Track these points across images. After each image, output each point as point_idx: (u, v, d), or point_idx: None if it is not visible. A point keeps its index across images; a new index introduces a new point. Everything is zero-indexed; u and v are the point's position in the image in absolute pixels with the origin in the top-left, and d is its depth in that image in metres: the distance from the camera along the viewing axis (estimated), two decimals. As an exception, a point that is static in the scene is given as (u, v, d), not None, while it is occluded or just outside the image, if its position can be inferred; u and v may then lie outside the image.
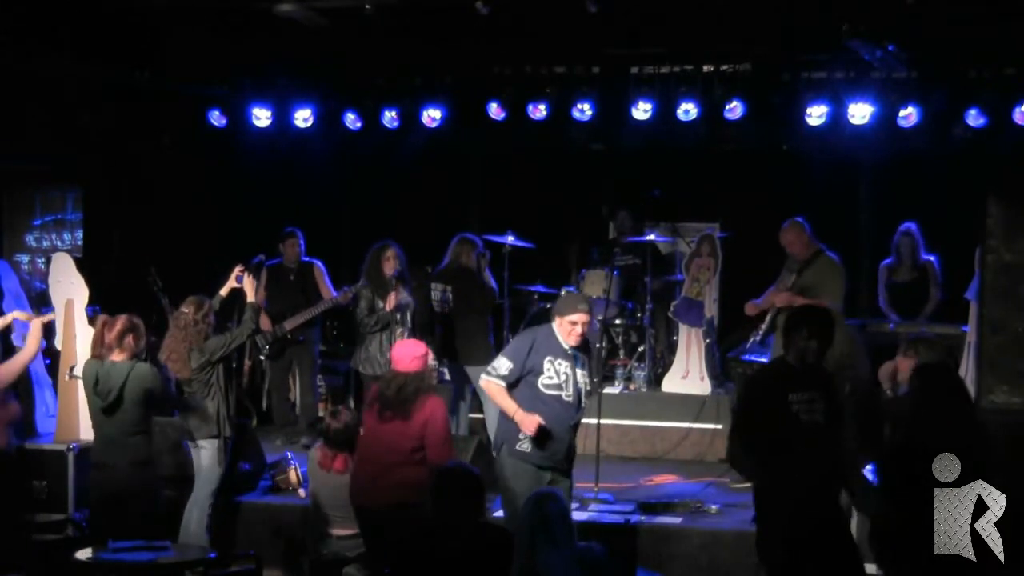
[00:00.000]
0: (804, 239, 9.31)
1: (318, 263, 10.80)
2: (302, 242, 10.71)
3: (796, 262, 9.32)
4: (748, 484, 8.87)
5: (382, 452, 7.16)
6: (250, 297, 8.41)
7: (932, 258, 10.38)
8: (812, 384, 6.33)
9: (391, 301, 9.58)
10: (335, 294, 10.43)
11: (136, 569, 6.81)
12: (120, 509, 7.40)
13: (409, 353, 7.36)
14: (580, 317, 7.13)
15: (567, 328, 7.15)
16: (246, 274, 8.49)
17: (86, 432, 9.05)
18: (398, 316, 9.69)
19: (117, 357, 7.55)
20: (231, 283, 8.54)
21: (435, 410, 7.24)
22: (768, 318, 9.40)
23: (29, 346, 7.91)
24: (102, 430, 7.57)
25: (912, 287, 10.43)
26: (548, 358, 7.18)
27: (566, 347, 7.18)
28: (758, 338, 10.02)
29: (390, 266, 9.70)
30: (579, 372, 7.22)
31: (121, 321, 7.61)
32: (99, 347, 7.60)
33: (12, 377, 7.81)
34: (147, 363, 7.69)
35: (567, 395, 7.20)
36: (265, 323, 10.54)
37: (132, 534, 7.03)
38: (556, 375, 7.18)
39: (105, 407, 7.47)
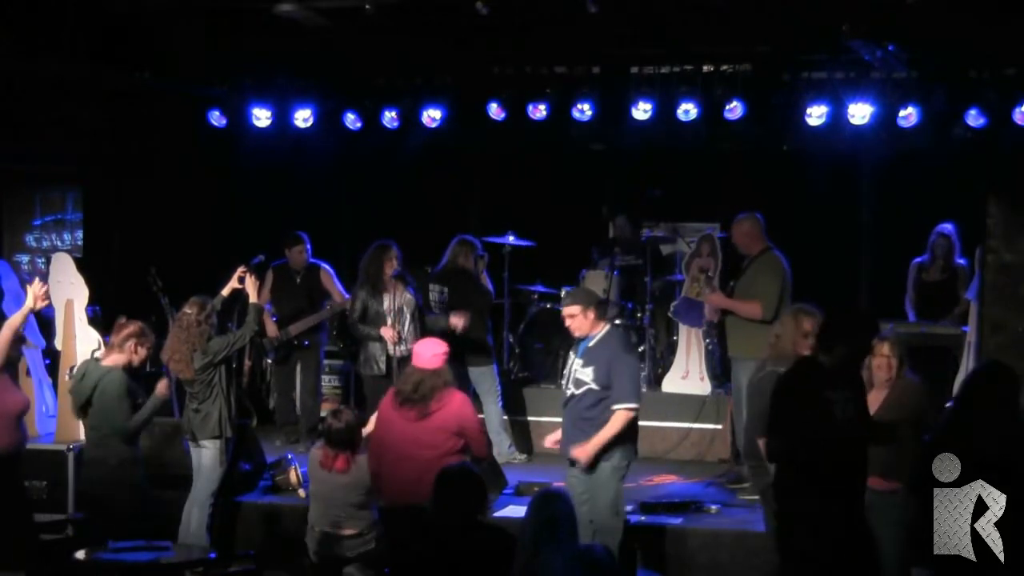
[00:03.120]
0: (753, 234, 9.33)
1: (325, 266, 10.70)
2: (308, 247, 10.64)
3: (744, 258, 9.41)
4: (743, 485, 8.98)
5: (417, 450, 7.20)
6: (252, 298, 8.41)
7: (964, 262, 10.33)
8: (846, 383, 6.33)
9: (391, 336, 9.47)
10: (347, 296, 10.34)
11: (136, 569, 6.81)
12: (104, 507, 7.44)
13: (429, 350, 7.44)
14: (564, 311, 7.49)
15: None
16: (248, 275, 8.48)
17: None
18: (398, 316, 9.66)
19: (108, 361, 7.59)
20: (233, 283, 8.52)
21: (464, 407, 7.41)
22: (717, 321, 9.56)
23: (13, 317, 7.79)
24: (88, 428, 7.67)
25: (941, 288, 10.38)
26: (570, 354, 7.58)
27: (578, 340, 7.47)
28: (709, 342, 10.12)
29: (391, 267, 9.67)
30: (577, 361, 7.38)
31: (133, 325, 7.64)
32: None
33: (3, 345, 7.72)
34: (121, 373, 7.67)
35: (566, 386, 7.48)
36: (271, 329, 10.52)
37: (118, 532, 7.06)
38: (567, 368, 7.57)
39: (80, 405, 7.57)
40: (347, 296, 10.32)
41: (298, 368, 10.88)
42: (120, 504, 7.48)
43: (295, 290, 10.65)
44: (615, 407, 7.27)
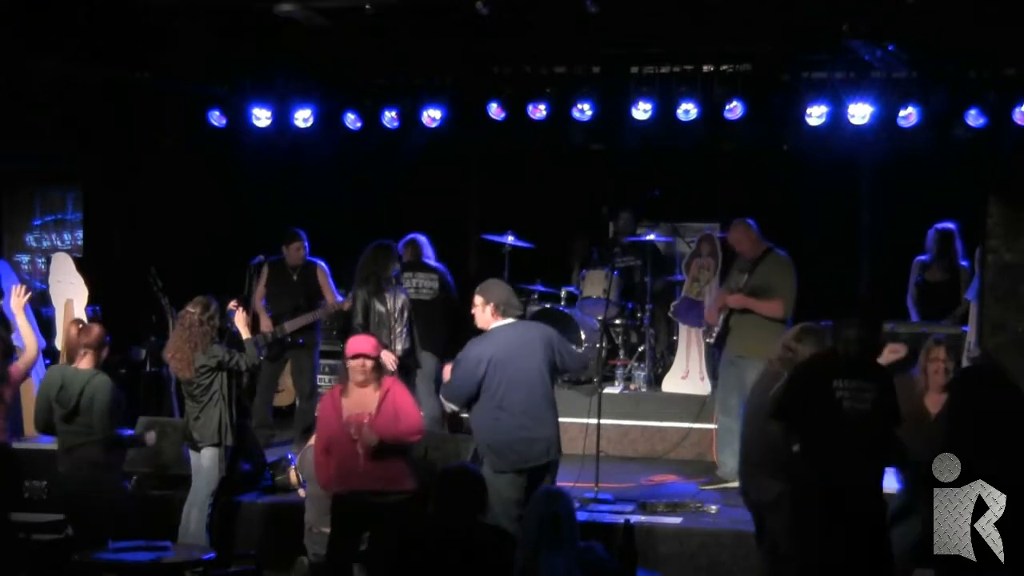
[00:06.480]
0: (752, 237, 9.43)
1: (321, 263, 10.64)
2: (306, 244, 10.61)
3: (745, 261, 9.44)
4: (718, 485, 9.04)
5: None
6: (245, 335, 8.28)
7: (967, 263, 10.31)
8: (863, 374, 6.38)
9: (392, 361, 9.31)
10: (339, 299, 10.31)
11: (136, 569, 6.82)
12: (87, 514, 7.43)
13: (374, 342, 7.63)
14: None
15: None
16: (239, 309, 8.37)
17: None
18: (400, 316, 9.64)
19: (85, 364, 7.57)
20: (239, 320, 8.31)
21: None
22: (721, 320, 9.47)
23: (30, 342, 7.88)
24: (63, 438, 7.61)
25: (942, 288, 10.38)
26: None
27: None
28: (711, 340, 10.10)
29: (395, 266, 9.65)
30: None
31: (99, 329, 7.67)
32: (73, 349, 7.66)
33: (23, 376, 7.84)
34: (108, 378, 7.69)
35: None
36: (265, 324, 10.47)
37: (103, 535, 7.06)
38: None
39: (65, 414, 7.50)
40: (339, 298, 10.27)
41: (288, 368, 10.81)
42: (100, 507, 7.46)
43: (292, 287, 10.55)
44: None
